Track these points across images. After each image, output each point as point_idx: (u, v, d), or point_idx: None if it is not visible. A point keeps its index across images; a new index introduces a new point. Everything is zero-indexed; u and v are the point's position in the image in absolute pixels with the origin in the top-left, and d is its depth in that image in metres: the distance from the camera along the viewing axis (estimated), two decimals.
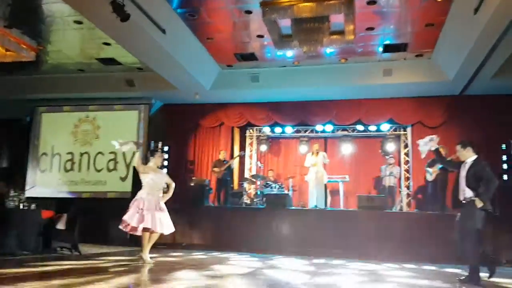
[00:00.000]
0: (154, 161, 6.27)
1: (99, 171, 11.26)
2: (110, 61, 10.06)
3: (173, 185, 6.28)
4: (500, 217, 8.74)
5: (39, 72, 10.90)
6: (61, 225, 6.79)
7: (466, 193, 5.06)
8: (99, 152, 11.33)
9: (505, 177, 9.30)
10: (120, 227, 5.86)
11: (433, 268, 6.89)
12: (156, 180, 6.05)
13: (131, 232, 5.90)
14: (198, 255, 7.56)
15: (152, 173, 6.08)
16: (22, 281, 3.75)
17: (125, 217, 5.83)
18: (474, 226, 4.90)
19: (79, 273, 4.55)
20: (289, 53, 9.31)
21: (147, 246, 5.91)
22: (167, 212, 6.04)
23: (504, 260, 8.12)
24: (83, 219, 8.39)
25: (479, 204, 4.86)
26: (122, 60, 9.92)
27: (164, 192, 6.17)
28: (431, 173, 9.26)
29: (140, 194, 5.97)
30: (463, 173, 5.17)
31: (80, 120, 11.69)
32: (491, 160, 9.57)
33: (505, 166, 9.35)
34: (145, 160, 10.68)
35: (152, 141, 11.02)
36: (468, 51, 7.77)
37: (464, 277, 5.11)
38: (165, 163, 11.07)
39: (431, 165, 9.35)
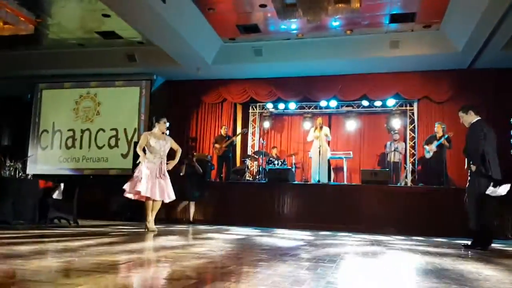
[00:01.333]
0: (158, 127, 6.03)
1: (100, 148, 11.17)
2: (110, 35, 9.86)
3: (179, 150, 6.15)
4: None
5: (39, 47, 10.74)
6: (58, 195, 6.67)
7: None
8: (100, 129, 11.23)
9: None
10: (125, 195, 5.85)
11: (439, 239, 6.75)
12: (158, 146, 5.83)
13: (135, 198, 5.84)
14: (198, 227, 7.47)
15: (154, 138, 5.87)
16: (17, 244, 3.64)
17: (125, 186, 5.77)
18: (475, 190, 4.92)
19: (79, 236, 4.45)
20: (293, 25, 9.07)
21: (150, 214, 5.82)
22: (169, 180, 5.89)
23: (509, 234, 7.97)
24: (84, 193, 8.37)
25: (473, 168, 4.89)
26: (122, 33, 9.72)
27: (171, 159, 6.05)
28: (429, 151, 9.09)
29: (142, 162, 5.81)
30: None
31: (81, 97, 11.57)
32: (499, 136, 9.50)
33: None
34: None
35: (154, 117, 10.85)
36: (477, 19, 7.52)
37: (470, 243, 4.97)
38: None
39: (428, 142, 9.19)
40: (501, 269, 3.01)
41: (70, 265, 2.40)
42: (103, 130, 11.19)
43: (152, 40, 9.12)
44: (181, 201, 8.87)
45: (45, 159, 11.35)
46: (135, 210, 9.44)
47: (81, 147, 11.32)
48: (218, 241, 4.62)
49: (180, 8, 8.15)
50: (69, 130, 11.46)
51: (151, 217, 5.82)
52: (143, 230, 5.82)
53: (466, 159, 5.19)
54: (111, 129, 11.12)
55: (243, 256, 3.24)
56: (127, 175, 10.08)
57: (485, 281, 2.41)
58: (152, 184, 5.67)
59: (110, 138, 11.11)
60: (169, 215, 9.33)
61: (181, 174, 8.78)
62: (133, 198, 5.85)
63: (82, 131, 11.37)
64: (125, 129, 11.00)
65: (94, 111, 11.39)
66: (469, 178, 5.17)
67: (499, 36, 8.07)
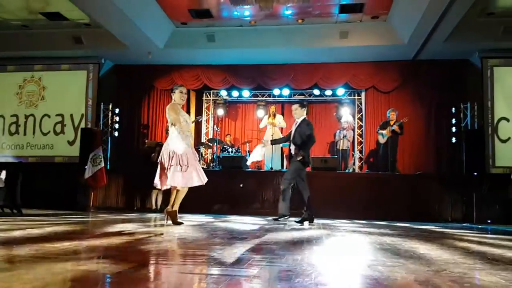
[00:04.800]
0: (178, 98, 4.94)
1: (45, 134, 10.69)
2: (56, 16, 9.39)
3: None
4: (448, 178, 9.14)
5: None
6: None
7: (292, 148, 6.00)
8: (46, 115, 10.72)
9: (454, 139, 9.64)
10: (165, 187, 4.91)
11: (381, 222, 7.07)
12: (188, 121, 4.93)
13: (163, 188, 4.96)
14: (152, 215, 7.38)
15: (184, 112, 4.96)
16: None
17: (168, 182, 4.73)
18: (300, 171, 5.95)
19: (21, 225, 4.28)
20: (246, 12, 9.05)
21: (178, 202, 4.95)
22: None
23: (449, 218, 8.47)
24: (29, 182, 8.04)
25: (299, 157, 5.81)
26: (68, 15, 9.28)
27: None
28: (384, 135, 9.43)
29: (175, 145, 4.75)
30: (293, 130, 6.04)
31: (25, 81, 10.98)
32: (441, 123, 10.09)
33: (454, 129, 9.66)
34: (96, 123, 10.34)
35: (102, 103, 10.56)
36: (422, 12, 7.85)
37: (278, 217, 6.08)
38: (116, 126, 10.71)
39: (382, 128, 9.55)
40: (435, 248, 3.21)
41: (9, 253, 2.33)
42: (48, 116, 10.71)
43: (100, 23, 8.81)
44: (153, 190, 8.79)
45: None
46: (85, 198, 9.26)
47: (25, 134, 10.78)
48: (168, 228, 4.60)
49: None
50: (12, 115, 10.86)
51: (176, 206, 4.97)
52: (164, 222, 5.07)
53: (293, 147, 6.02)
54: (57, 115, 10.65)
55: (193, 241, 3.25)
56: (74, 163, 9.86)
57: (419, 258, 2.57)
58: (197, 170, 4.83)
59: (55, 124, 10.64)
60: (140, 204, 9.39)
61: (154, 160, 8.70)
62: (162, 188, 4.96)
63: (26, 117, 10.82)
64: (71, 115, 10.57)
65: (38, 96, 10.86)
66: (292, 162, 6.03)
67: (442, 28, 8.46)
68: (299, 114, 6.01)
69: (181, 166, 4.70)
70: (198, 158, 5.03)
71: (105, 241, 3.02)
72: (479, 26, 8.77)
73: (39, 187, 9.45)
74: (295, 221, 5.97)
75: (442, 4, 7.48)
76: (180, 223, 4.89)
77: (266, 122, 10.26)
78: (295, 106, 6.06)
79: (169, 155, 4.74)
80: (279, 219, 6.09)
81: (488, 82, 9.42)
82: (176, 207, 4.92)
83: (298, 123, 6.00)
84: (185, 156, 4.72)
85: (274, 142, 7.03)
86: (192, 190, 4.99)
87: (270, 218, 6.94)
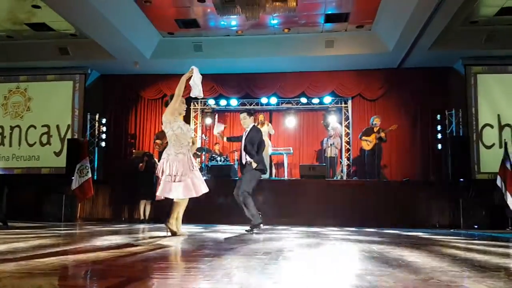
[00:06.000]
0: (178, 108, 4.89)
1: (31, 145, 10.60)
2: (41, 27, 9.37)
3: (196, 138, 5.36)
4: (435, 184, 9.24)
5: None
6: None
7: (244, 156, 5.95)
8: (31, 125, 10.65)
9: (439, 146, 9.76)
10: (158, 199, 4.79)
11: (372, 230, 7.11)
12: (185, 129, 4.80)
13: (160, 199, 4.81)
14: (140, 226, 7.32)
15: (182, 120, 4.89)
16: None
17: (158, 193, 4.64)
18: (251, 179, 5.82)
19: (7, 238, 4.21)
20: (233, 21, 9.12)
21: (177, 213, 4.87)
22: (198, 171, 4.96)
23: (436, 224, 8.55)
24: (15, 194, 7.93)
25: (254, 165, 5.75)
26: (54, 25, 9.27)
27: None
28: (369, 142, 9.51)
29: (167, 154, 4.72)
30: (243, 138, 6.00)
31: (10, 92, 10.90)
32: (426, 130, 10.22)
33: (439, 135, 9.79)
34: (83, 134, 10.25)
35: (88, 113, 10.48)
36: (406, 21, 8.00)
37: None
38: (103, 136, 10.63)
39: (365, 134, 9.64)
40: (423, 256, 3.24)
41: None
42: (34, 127, 10.62)
43: (86, 33, 8.80)
44: (141, 200, 8.83)
45: None
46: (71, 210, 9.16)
47: (10, 145, 10.68)
48: (160, 239, 4.56)
49: (114, 0, 7.90)
50: None
51: (179, 217, 4.91)
52: (165, 233, 4.96)
53: (244, 155, 5.98)
54: (43, 126, 10.57)
55: (182, 253, 3.23)
56: (60, 174, 9.74)
57: (407, 266, 2.59)
58: (191, 180, 4.71)
59: (41, 135, 10.56)
60: (128, 214, 9.39)
61: (141, 170, 8.83)
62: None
63: (12, 128, 10.72)
64: (57, 126, 10.50)
65: (24, 107, 10.77)
66: (247, 171, 5.90)
67: (426, 37, 8.62)
68: (248, 122, 6.01)
69: (170, 176, 4.60)
70: (194, 168, 4.81)
71: (92, 255, 2.99)
72: (462, 34, 8.96)
73: (25, 198, 9.35)
74: (245, 230, 5.78)
75: (425, 13, 7.63)
76: (179, 234, 4.80)
77: None
78: (243, 115, 6.05)
79: (163, 164, 4.68)
80: (253, 230, 5.73)
81: (472, 89, 9.59)
82: (173, 219, 4.80)
83: (247, 131, 5.99)
84: (176, 166, 4.63)
85: (229, 139, 6.97)
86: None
87: (263, 227, 6.93)
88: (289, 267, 2.52)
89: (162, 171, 4.67)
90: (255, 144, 5.85)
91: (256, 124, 10.16)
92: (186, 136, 4.78)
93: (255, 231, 5.73)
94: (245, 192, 5.74)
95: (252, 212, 5.76)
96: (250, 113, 6.15)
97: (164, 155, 4.76)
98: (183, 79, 4.91)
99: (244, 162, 5.94)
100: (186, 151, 4.77)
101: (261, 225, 5.87)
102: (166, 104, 5.02)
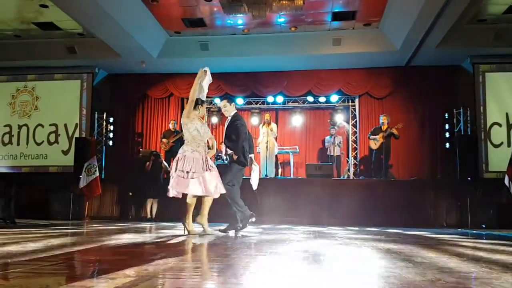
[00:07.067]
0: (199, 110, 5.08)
1: (39, 144, 10.67)
2: (48, 26, 9.41)
3: (214, 140, 5.44)
4: (442, 183, 9.20)
5: None
6: None
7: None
8: (39, 124, 10.71)
9: (447, 144, 9.71)
10: (169, 195, 4.93)
11: (379, 229, 7.09)
12: (202, 131, 4.95)
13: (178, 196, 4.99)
14: (146, 224, 7.36)
15: (199, 122, 5.03)
16: None
17: (170, 186, 4.85)
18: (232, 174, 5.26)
19: (16, 237, 4.26)
20: (239, 20, 9.12)
21: (191, 212, 5.01)
22: (217, 171, 5.00)
23: (444, 223, 8.51)
24: (23, 192, 7.99)
25: (235, 157, 5.22)
26: (61, 25, 9.30)
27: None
28: (377, 141, 9.48)
29: (184, 150, 4.90)
30: (225, 128, 5.45)
31: (18, 91, 10.97)
32: (434, 129, 10.16)
33: (447, 134, 9.73)
34: (91, 133, 10.32)
35: (96, 112, 10.55)
36: (414, 19, 7.94)
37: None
38: (110, 135, 10.69)
39: (373, 133, 9.60)
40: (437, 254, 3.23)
41: (5, 269, 2.31)
42: (42, 126, 10.69)
43: (93, 32, 8.83)
44: (148, 199, 8.91)
45: None
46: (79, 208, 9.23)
47: (18, 144, 10.76)
48: (167, 237, 4.58)
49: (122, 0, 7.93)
50: (5, 125, 10.85)
51: (191, 216, 5.02)
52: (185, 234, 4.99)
53: (223, 146, 5.52)
54: (51, 125, 10.64)
55: (193, 253, 3.24)
56: (68, 173, 9.81)
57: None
58: (203, 179, 4.83)
59: (49, 134, 10.63)
60: (135, 213, 9.46)
61: (148, 169, 8.94)
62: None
63: (20, 127, 10.80)
64: (65, 125, 10.56)
65: (32, 106, 10.84)
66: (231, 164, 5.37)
67: (434, 35, 8.55)
68: (230, 110, 5.41)
69: (183, 172, 4.74)
70: (211, 169, 4.87)
71: (100, 254, 3.02)
72: (470, 33, 8.88)
73: (33, 197, 9.41)
74: (219, 230, 5.41)
75: (433, 11, 7.57)
76: (193, 233, 4.93)
77: (261, 132, 10.23)
78: (223, 103, 5.43)
79: (177, 160, 4.86)
80: (238, 232, 5.29)
81: (480, 88, 9.51)
82: (189, 218, 4.99)
83: (229, 120, 5.44)
84: (189, 162, 4.76)
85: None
86: (182, 199, 5.03)
87: (265, 226, 6.94)
88: (299, 270, 2.52)
89: (176, 167, 4.82)
90: (235, 134, 5.28)
91: (261, 125, 10.29)
92: (202, 138, 4.95)
93: (239, 234, 5.21)
94: (228, 185, 5.14)
95: (239, 203, 5.26)
96: (230, 100, 5.60)
97: (180, 151, 4.94)
98: (196, 83, 5.01)
99: (224, 153, 5.52)
100: (202, 151, 4.91)
101: (253, 217, 5.35)
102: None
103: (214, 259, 2.86)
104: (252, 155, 5.62)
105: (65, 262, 2.55)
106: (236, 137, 5.24)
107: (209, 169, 4.86)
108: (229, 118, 5.43)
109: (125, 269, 2.23)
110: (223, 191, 4.96)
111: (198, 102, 5.03)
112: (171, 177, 4.91)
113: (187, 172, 4.74)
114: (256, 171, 5.72)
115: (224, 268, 2.40)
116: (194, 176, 4.75)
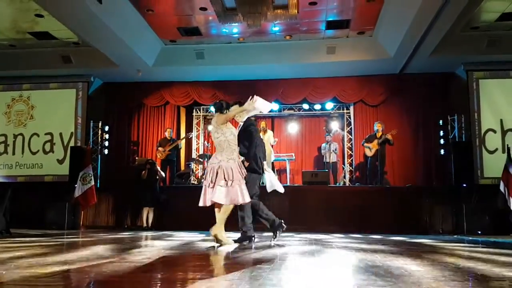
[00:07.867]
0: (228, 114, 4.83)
1: (34, 153, 10.63)
2: (44, 36, 9.43)
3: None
4: (438, 189, 9.22)
5: None
6: None
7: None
8: (34, 133, 10.68)
9: (442, 151, 9.75)
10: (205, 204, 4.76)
11: (374, 236, 7.09)
12: (236, 134, 4.82)
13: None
14: (142, 233, 7.32)
15: (231, 126, 4.85)
16: None
17: (214, 199, 4.58)
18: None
19: (10, 247, 4.23)
20: (234, 29, 9.17)
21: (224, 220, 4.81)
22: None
23: (440, 229, 8.52)
24: (17, 201, 7.94)
25: (246, 163, 4.99)
26: (57, 34, 9.32)
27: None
28: (371, 148, 9.52)
29: (219, 160, 4.64)
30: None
31: (13, 100, 10.95)
32: (429, 136, 10.21)
33: (442, 141, 9.77)
34: (86, 142, 10.29)
35: (91, 121, 10.53)
36: (407, 27, 8.02)
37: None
38: (106, 144, 10.67)
39: (368, 141, 9.64)
40: (426, 264, 3.23)
41: None
42: (37, 135, 10.65)
43: (89, 42, 8.85)
44: (144, 207, 8.90)
45: None
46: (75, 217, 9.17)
47: (13, 153, 10.71)
48: (158, 248, 4.57)
49: (117, 9, 7.98)
50: (1, 135, 10.82)
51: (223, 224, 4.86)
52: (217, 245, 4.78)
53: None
54: (46, 134, 10.61)
55: (179, 263, 3.24)
56: (63, 182, 9.77)
57: (410, 276, 2.58)
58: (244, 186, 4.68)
59: (45, 143, 10.59)
60: (131, 222, 9.46)
61: (144, 178, 8.97)
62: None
63: (15, 136, 10.76)
64: (60, 134, 10.53)
65: (27, 115, 10.82)
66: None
67: (427, 43, 8.63)
68: (242, 115, 5.14)
69: (226, 181, 4.55)
70: (242, 175, 4.70)
71: (95, 264, 3.00)
72: (463, 40, 8.96)
73: (28, 206, 9.37)
74: (234, 240, 5.12)
75: (427, 19, 7.64)
76: (224, 243, 4.72)
77: None
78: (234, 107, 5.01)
79: (213, 170, 4.61)
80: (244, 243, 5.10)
81: (474, 95, 9.58)
82: (218, 226, 4.76)
83: (241, 125, 5.24)
84: (229, 171, 4.57)
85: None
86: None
87: (265, 234, 6.91)
88: (289, 277, 2.51)
89: (216, 177, 4.57)
90: (248, 139, 5.11)
91: (259, 131, 10.30)
92: (236, 142, 4.81)
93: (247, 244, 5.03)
94: (253, 196, 4.98)
95: (249, 215, 5.07)
96: (241, 104, 5.12)
97: (213, 160, 4.70)
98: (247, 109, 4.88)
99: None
100: (236, 157, 4.75)
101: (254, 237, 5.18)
102: (216, 106, 4.97)
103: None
104: (265, 162, 5.41)
105: (59, 273, 2.53)
106: (249, 143, 5.09)
107: (242, 176, 4.71)
108: (241, 123, 5.25)
109: (118, 281, 2.21)
110: (249, 199, 4.76)
111: (226, 106, 4.90)
112: (206, 188, 4.67)
113: (231, 181, 4.54)
114: (269, 176, 5.49)
115: None
116: (234, 184, 4.57)
